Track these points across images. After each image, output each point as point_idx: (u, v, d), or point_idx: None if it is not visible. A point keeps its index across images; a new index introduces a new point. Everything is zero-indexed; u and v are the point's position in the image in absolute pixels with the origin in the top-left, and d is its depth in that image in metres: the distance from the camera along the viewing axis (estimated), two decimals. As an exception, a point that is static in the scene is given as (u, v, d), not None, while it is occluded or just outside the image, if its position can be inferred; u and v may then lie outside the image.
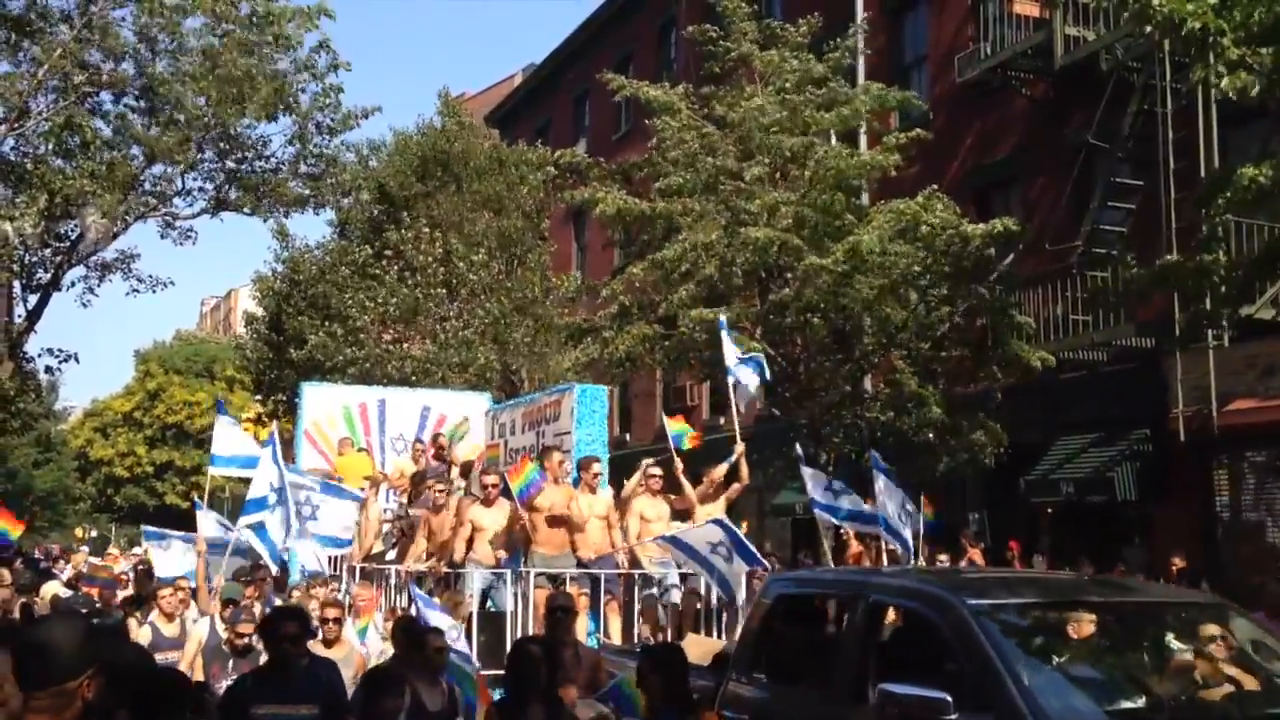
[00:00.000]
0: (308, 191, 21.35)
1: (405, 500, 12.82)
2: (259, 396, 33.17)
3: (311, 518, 12.51)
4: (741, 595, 9.33)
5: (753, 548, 9.74)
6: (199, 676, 7.96)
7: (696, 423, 24.35)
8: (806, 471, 11.96)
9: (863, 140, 18.18)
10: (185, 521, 16.08)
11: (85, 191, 18.00)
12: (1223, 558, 14.22)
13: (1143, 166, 15.35)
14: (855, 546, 13.15)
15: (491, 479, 10.66)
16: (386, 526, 12.57)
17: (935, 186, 15.40)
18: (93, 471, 52.74)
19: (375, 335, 23.22)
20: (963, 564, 11.99)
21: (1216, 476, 14.61)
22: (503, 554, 10.31)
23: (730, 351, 11.36)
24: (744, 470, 10.97)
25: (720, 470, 10.87)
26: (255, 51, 18.99)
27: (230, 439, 12.39)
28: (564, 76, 32.11)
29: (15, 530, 18.14)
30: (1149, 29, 10.45)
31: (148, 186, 20.57)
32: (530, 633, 9.59)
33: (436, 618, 7.73)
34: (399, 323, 23.25)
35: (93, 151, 19.22)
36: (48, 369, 23.76)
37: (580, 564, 10.33)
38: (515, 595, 9.95)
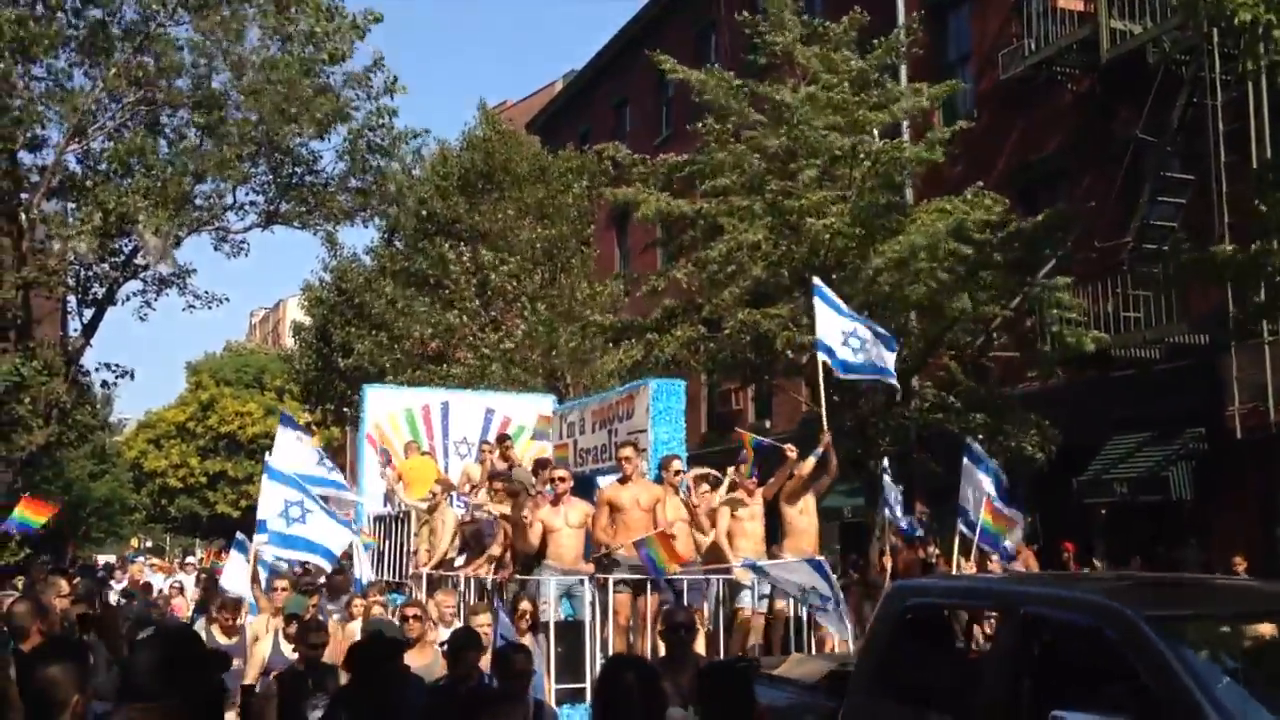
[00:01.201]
0: (357, 206, 21.55)
1: (473, 505, 12.50)
2: (308, 406, 33.54)
3: (300, 520, 12.26)
4: (847, 633, 8.70)
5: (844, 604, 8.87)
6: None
7: (741, 426, 24.31)
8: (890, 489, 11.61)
9: (905, 135, 18.08)
10: (238, 531, 16.24)
11: (139, 208, 18.27)
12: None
13: (1193, 160, 15.14)
14: (905, 553, 12.97)
15: (561, 472, 10.07)
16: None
17: (981, 184, 15.27)
18: (147, 482, 53.53)
19: (419, 351, 23.52)
20: (1017, 566, 11.81)
21: (1275, 474, 14.34)
22: (585, 565, 9.64)
23: (826, 320, 10.51)
24: (833, 462, 10.23)
25: (808, 464, 10.06)
26: (311, 70, 19.22)
27: (289, 454, 12.39)
28: (604, 83, 32.20)
29: (39, 517, 18.12)
30: (1198, 21, 10.32)
31: (199, 202, 20.86)
32: (610, 643, 9.10)
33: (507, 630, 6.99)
34: (437, 339, 23.51)
35: (150, 169, 19.53)
36: (104, 384, 24.14)
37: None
38: (595, 603, 9.33)
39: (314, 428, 36.55)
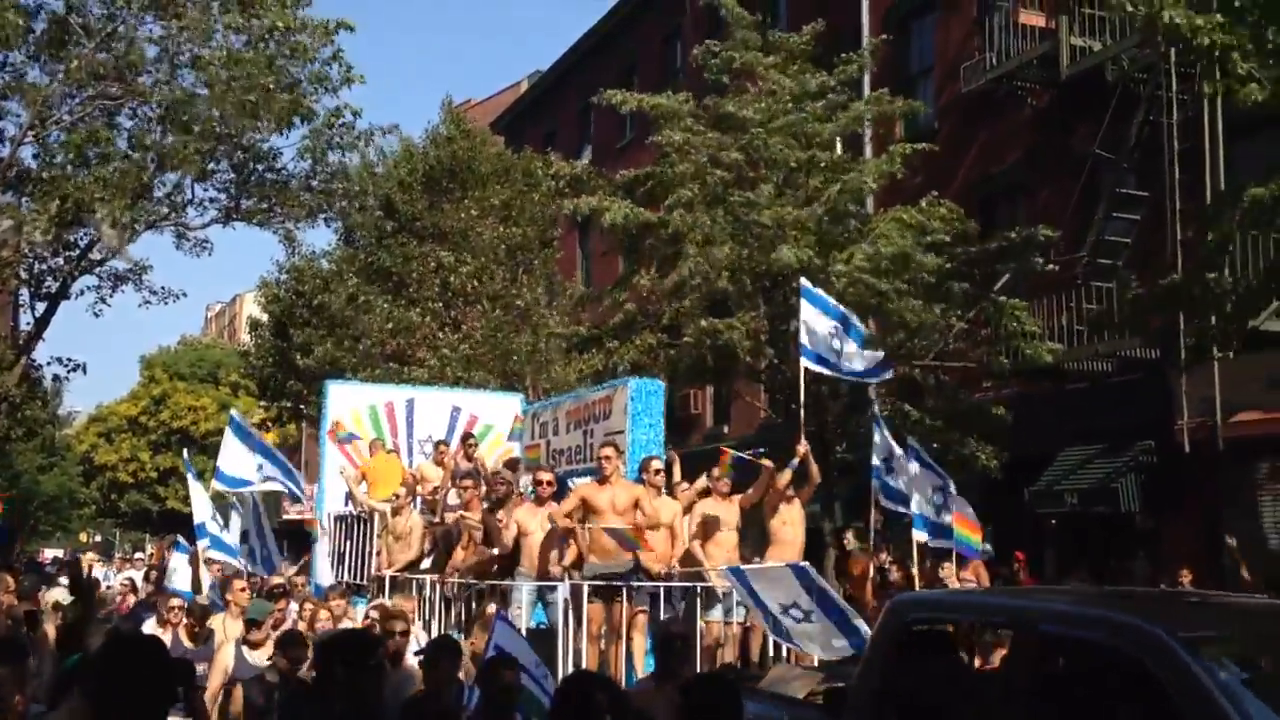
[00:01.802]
0: (319, 204, 21.37)
1: (431, 507, 12.28)
2: (264, 402, 33.24)
3: (226, 528, 12.49)
4: (817, 654, 8.17)
5: (844, 604, 8.40)
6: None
7: (700, 431, 24.42)
8: (880, 438, 11.16)
9: (868, 148, 18.21)
10: (189, 527, 16.14)
11: (96, 198, 18.03)
12: (1228, 571, 14.21)
13: (1148, 177, 15.39)
14: (860, 561, 12.87)
15: (546, 475, 9.74)
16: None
17: (936, 193, 15.42)
18: (97, 476, 52.84)
19: (379, 350, 23.35)
20: (967, 576, 11.89)
21: (1222, 488, 14.60)
22: (557, 567, 9.29)
23: (813, 321, 10.42)
24: (813, 469, 10.17)
25: (785, 476, 9.90)
26: (272, 64, 19.05)
27: (235, 457, 12.39)
28: (569, 85, 32.20)
29: None
30: (1156, 40, 10.51)
31: (158, 194, 20.62)
32: (583, 653, 8.83)
33: (510, 640, 6.29)
34: (395, 336, 23.34)
35: (107, 160, 19.28)
36: (55, 377, 23.80)
37: (646, 576, 9.24)
38: (567, 609, 9.02)
39: (269, 424, 36.35)
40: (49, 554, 44.09)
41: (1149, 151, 15.24)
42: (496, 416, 14.91)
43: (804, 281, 11.10)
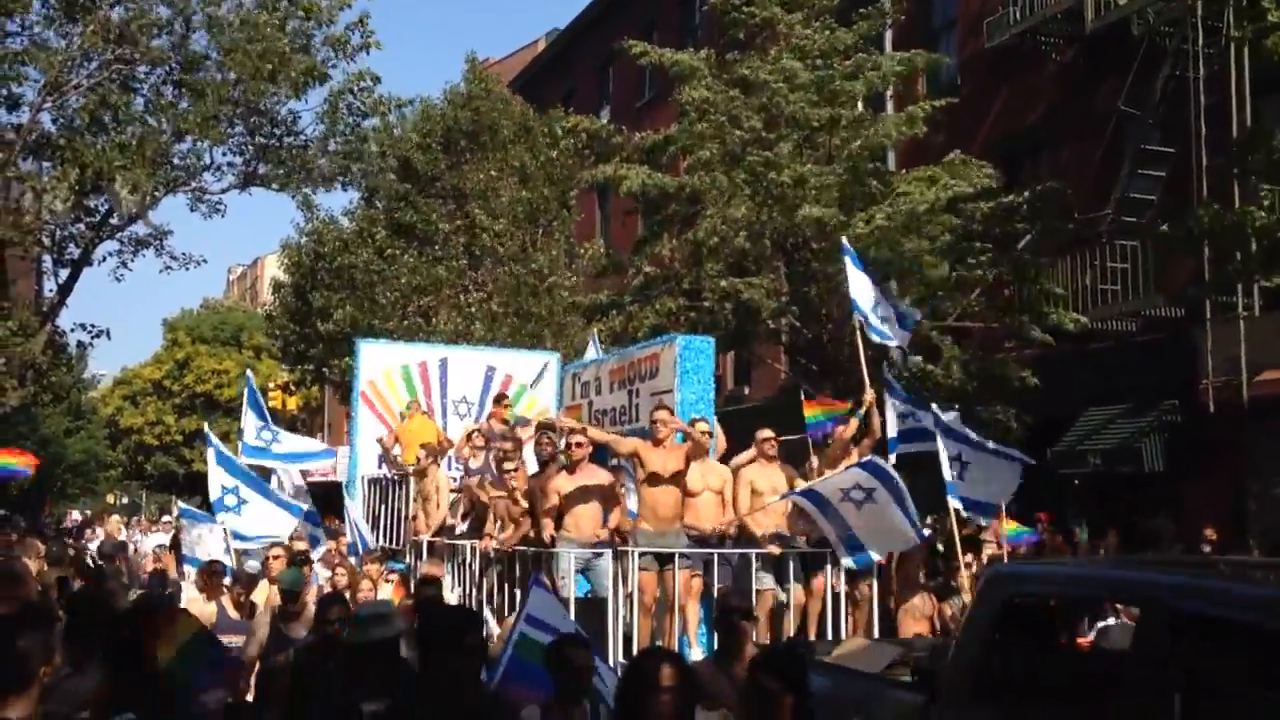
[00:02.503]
0: (337, 169, 21.34)
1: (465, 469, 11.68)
2: (286, 365, 33.41)
3: (235, 511, 12.10)
4: (875, 555, 8.41)
5: (910, 503, 8.36)
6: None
7: (721, 393, 24.37)
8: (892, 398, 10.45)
9: (889, 105, 18.00)
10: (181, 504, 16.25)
11: (115, 165, 18.04)
12: (1253, 530, 14.15)
13: (1174, 133, 15.17)
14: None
15: (578, 438, 9.29)
16: (453, 496, 11.61)
17: (959, 151, 15.25)
18: (123, 439, 53.34)
19: (400, 310, 23.34)
20: (987, 538, 11.75)
21: (1247, 447, 14.50)
22: (603, 531, 8.94)
23: (857, 283, 10.08)
24: (875, 422, 9.65)
25: (851, 428, 9.54)
26: (287, 25, 18.96)
27: (254, 427, 12.42)
28: (587, 43, 31.92)
29: (24, 464, 18.19)
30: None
31: (176, 161, 20.64)
32: (635, 623, 8.60)
33: (545, 607, 5.77)
34: (421, 294, 23.32)
35: (123, 125, 19.29)
36: (80, 344, 23.96)
37: (697, 542, 8.93)
38: (616, 577, 8.67)
39: (293, 387, 36.54)
40: (75, 515, 44.63)
41: (1174, 107, 15.02)
42: (531, 376, 14.23)
43: (844, 241, 10.78)
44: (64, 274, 21.36)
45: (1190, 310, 14.77)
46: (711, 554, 8.89)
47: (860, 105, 15.70)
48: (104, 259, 21.91)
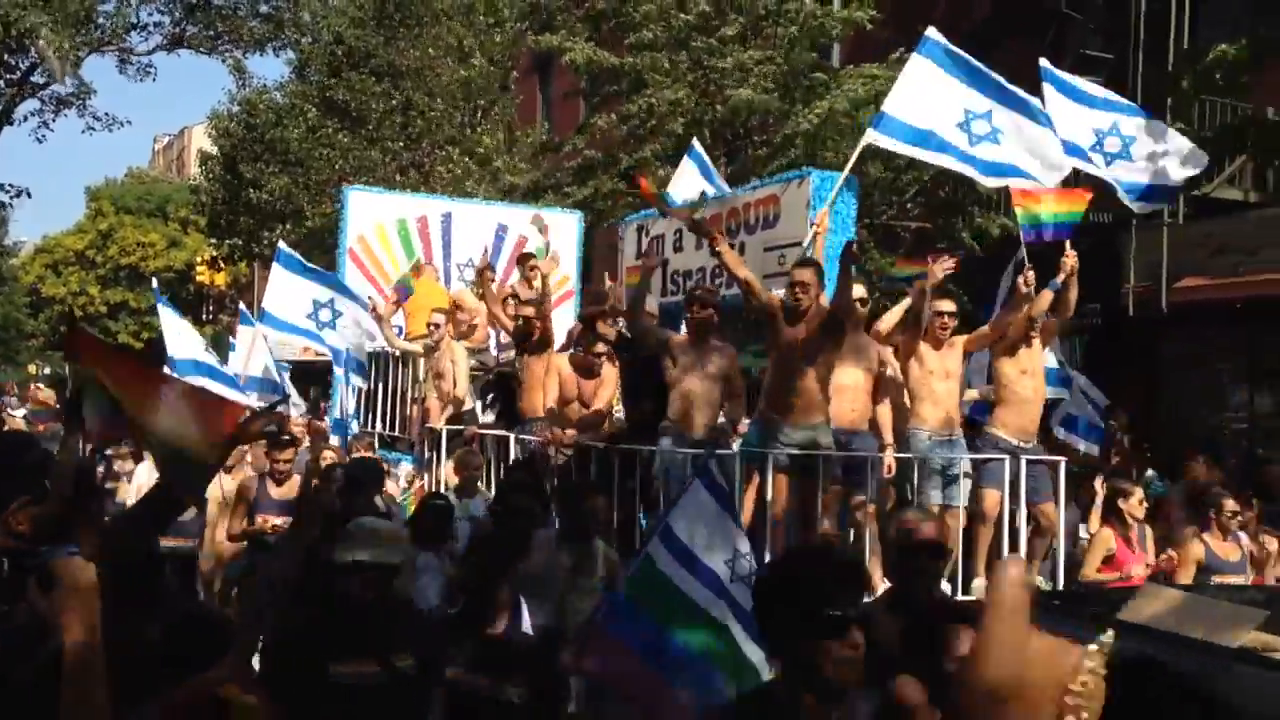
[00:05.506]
0: (268, 33, 20.68)
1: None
2: (213, 240, 32.73)
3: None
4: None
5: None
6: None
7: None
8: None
9: (837, 1, 17.82)
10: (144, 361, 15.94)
11: (37, 24, 17.34)
12: (1166, 434, 14.66)
13: (1113, 39, 15.24)
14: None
15: (704, 299, 7.02)
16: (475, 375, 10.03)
17: (903, 50, 15.19)
18: (45, 309, 52.19)
19: (335, 192, 22.92)
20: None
21: (1164, 353, 14.92)
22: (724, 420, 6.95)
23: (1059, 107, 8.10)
24: (1071, 294, 7.64)
25: (1044, 299, 7.54)
26: None
27: (283, 298, 11.23)
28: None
29: None
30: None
31: (101, 20, 19.87)
32: (767, 539, 6.22)
33: (714, 533, 4.19)
34: (356, 176, 22.88)
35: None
36: (0, 204, 23.28)
37: (838, 444, 6.71)
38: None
39: (221, 263, 35.84)
40: (-2, 384, 43.76)
41: (1115, 12, 15.07)
42: (553, 237, 11.81)
43: (1043, 62, 8.64)
44: (-17, 132, 20.68)
45: (1118, 218, 15.03)
46: (855, 456, 6.72)
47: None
48: (25, 118, 21.22)
